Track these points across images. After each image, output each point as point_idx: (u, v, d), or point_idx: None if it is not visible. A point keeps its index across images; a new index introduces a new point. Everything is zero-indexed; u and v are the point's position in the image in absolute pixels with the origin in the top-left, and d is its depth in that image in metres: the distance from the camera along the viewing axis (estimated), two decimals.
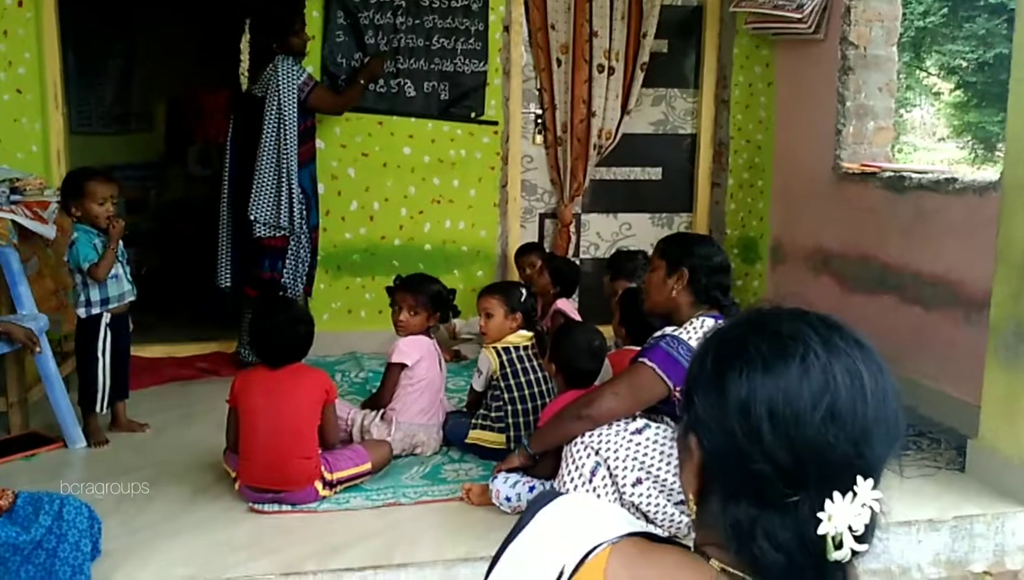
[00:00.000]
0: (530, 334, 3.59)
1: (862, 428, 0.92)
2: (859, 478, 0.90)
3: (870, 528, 0.90)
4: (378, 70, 4.73)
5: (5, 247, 3.56)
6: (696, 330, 2.74)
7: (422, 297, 3.56)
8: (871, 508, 0.90)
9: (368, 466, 3.18)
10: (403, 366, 3.48)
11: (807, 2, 4.70)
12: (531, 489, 2.91)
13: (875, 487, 0.90)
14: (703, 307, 2.80)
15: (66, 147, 4.72)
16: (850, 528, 0.89)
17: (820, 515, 0.89)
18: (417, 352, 3.50)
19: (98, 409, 3.59)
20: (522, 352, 3.54)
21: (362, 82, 4.63)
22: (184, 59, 6.86)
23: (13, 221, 3.67)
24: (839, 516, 0.89)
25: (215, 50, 6.56)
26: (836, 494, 0.89)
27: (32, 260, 3.88)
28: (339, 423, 3.32)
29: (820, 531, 0.89)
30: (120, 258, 3.60)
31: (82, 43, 6.40)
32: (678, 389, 2.65)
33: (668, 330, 2.79)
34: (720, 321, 2.74)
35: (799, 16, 4.70)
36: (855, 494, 0.89)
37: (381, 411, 3.51)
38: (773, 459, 0.91)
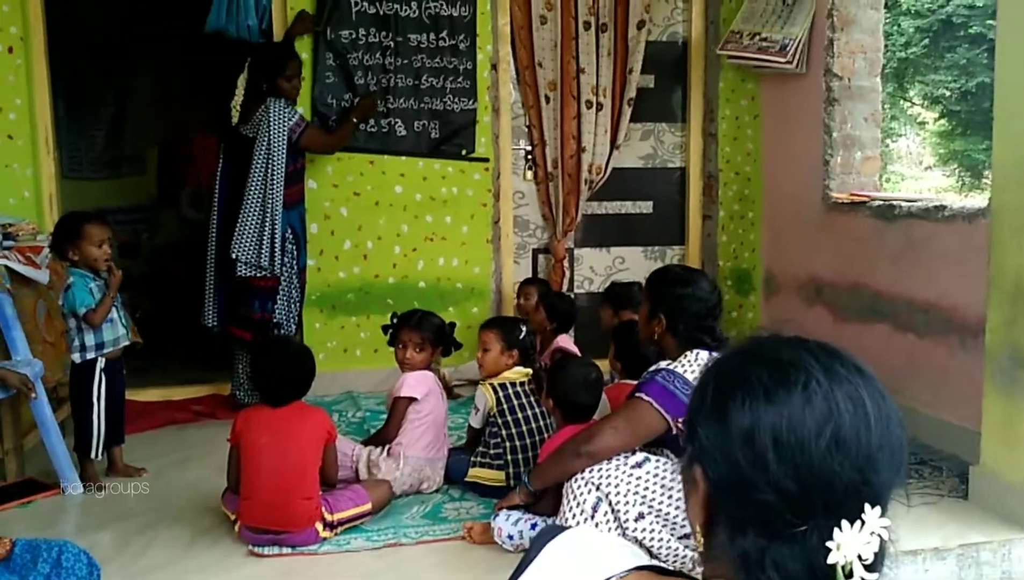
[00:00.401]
0: (527, 371, 3.59)
1: (867, 455, 0.92)
2: (867, 506, 0.89)
3: (879, 556, 0.90)
4: (370, 109, 4.77)
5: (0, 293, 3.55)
6: (691, 363, 2.75)
7: (426, 333, 3.58)
8: (880, 536, 0.89)
9: (368, 506, 3.16)
10: (412, 400, 3.49)
11: (789, 42, 4.78)
12: (533, 526, 2.89)
13: (883, 515, 0.90)
14: (690, 346, 2.81)
15: (58, 192, 4.73)
16: (860, 557, 0.88)
17: (829, 544, 0.88)
18: (424, 386, 3.51)
19: (94, 455, 3.56)
20: (519, 388, 3.53)
21: (355, 120, 4.67)
22: (175, 103, 6.90)
23: (6, 266, 3.67)
24: (848, 545, 0.88)
25: (206, 93, 6.60)
26: (844, 523, 0.88)
27: (39, 303, 3.87)
28: (343, 460, 3.31)
29: (830, 560, 0.88)
30: (115, 302, 3.59)
31: (72, 88, 6.44)
32: (679, 421, 2.65)
33: (663, 364, 2.80)
34: (715, 355, 2.74)
35: (784, 59, 4.79)
36: (863, 522, 0.89)
37: (388, 446, 3.50)
38: (779, 488, 0.90)
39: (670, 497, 2.65)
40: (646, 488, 2.67)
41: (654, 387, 2.71)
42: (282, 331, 4.47)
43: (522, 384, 3.54)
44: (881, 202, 4.36)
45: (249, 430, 3.03)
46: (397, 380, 3.59)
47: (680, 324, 2.82)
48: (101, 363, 3.53)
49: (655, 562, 1.08)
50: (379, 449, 3.50)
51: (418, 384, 3.50)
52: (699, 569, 1.04)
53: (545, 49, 5.15)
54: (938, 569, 2.98)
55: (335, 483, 3.18)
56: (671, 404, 2.67)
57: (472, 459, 3.50)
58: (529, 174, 5.32)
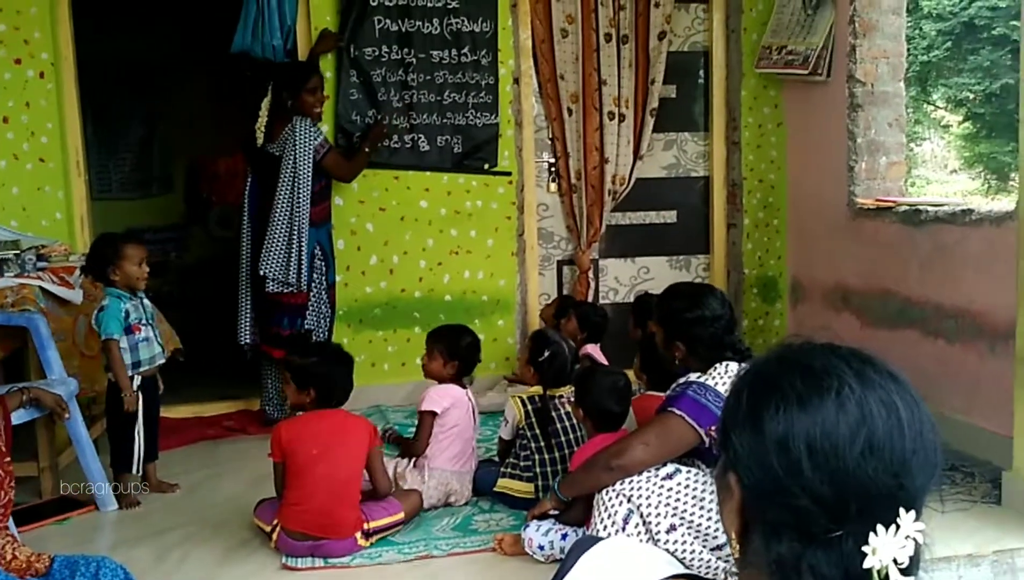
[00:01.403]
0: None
1: (901, 459, 0.92)
2: (901, 510, 0.90)
3: (914, 561, 0.90)
4: (380, 137, 4.83)
5: (34, 313, 3.61)
6: (721, 375, 2.74)
7: (435, 343, 3.65)
8: (915, 540, 0.89)
9: (401, 515, 3.19)
10: (434, 414, 3.50)
11: (811, 53, 4.80)
12: (564, 536, 2.90)
13: (917, 519, 0.90)
14: (713, 362, 2.80)
15: (89, 213, 4.80)
16: (895, 561, 0.88)
17: (865, 549, 0.89)
18: (446, 399, 3.52)
19: (135, 470, 3.61)
20: (538, 403, 3.54)
21: (367, 149, 4.72)
22: (203, 123, 6.98)
23: (41, 287, 3.74)
24: (884, 549, 0.88)
25: (233, 113, 6.69)
26: (880, 527, 0.89)
27: (79, 318, 3.94)
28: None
29: (866, 565, 0.88)
30: (150, 321, 3.65)
31: (102, 111, 6.54)
32: (712, 428, 2.64)
33: (693, 377, 2.79)
34: (744, 366, 2.74)
35: (806, 71, 4.80)
36: (898, 526, 0.89)
37: (414, 459, 3.52)
38: (814, 493, 0.91)
39: (702, 508, 2.64)
40: (677, 500, 2.66)
41: (685, 401, 2.71)
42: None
43: (541, 398, 3.53)
44: (907, 207, 4.34)
45: (299, 441, 3.05)
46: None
47: (699, 348, 2.83)
48: (137, 381, 3.59)
49: (691, 571, 1.08)
50: (406, 461, 3.53)
51: (439, 398, 3.53)
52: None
53: (567, 62, 5.18)
54: (972, 576, 2.95)
55: (386, 491, 3.21)
56: (704, 417, 2.66)
57: (502, 470, 3.51)
58: (553, 186, 5.34)
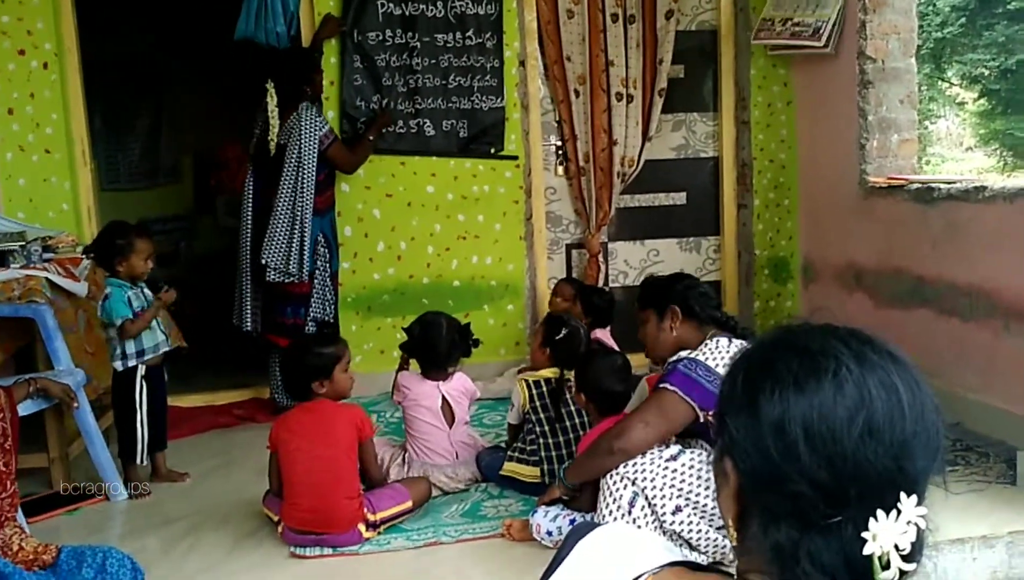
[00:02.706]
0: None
1: (901, 442, 0.90)
2: (902, 494, 0.87)
3: (917, 546, 0.87)
4: (384, 123, 4.80)
5: (40, 304, 3.61)
6: (712, 350, 2.75)
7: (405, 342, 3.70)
8: (917, 525, 0.87)
9: (409, 503, 3.18)
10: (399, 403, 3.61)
11: (822, 25, 4.71)
12: (572, 522, 2.88)
13: (919, 503, 0.87)
14: (710, 329, 2.85)
15: (96, 204, 4.80)
16: (896, 547, 0.86)
17: (864, 535, 0.86)
18: (399, 394, 3.57)
19: (139, 460, 3.62)
20: (554, 385, 3.52)
21: (370, 138, 4.69)
22: (210, 112, 6.97)
23: (47, 279, 3.73)
24: (884, 535, 0.86)
25: (240, 102, 6.67)
26: (880, 512, 0.86)
27: (79, 313, 3.93)
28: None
29: (865, 551, 0.86)
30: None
31: (108, 101, 6.53)
32: (709, 414, 2.63)
33: (683, 354, 2.81)
34: (735, 341, 2.78)
35: (819, 43, 4.71)
36: (899, 511, 0.86)
37: (403, 451, 3.54)
38: (812, 478, 0.89)
39: (707, 488, 2.64)
40: (682, 481, 2.66)
41: (676, 375, 2.72)
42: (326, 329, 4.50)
43: (557, 381, 3.52)
44: (919, 185, 4.28)
45: (284, 435, 3.06)
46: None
47: (695, 306, 2.88)
48: (142, 370, 3.59)
49: (689, 557, 1.06)
50: (392, 455, 3.54)
51: (398, 389, 3.58)
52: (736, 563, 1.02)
53: (573, 43, 5.13)
54: (987, 557, 2.91)
55: (378, 480, 3.20)
56: (695, 391, 2.68)
57: (508, 454, 3.50)
58: (561, 169, 5.30)
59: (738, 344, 2.79)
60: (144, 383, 3.59)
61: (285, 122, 4.44)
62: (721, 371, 2.68)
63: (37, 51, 4.53)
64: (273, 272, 4.41)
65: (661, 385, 2.74)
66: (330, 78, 4.75)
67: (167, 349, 3.73)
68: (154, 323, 3.64)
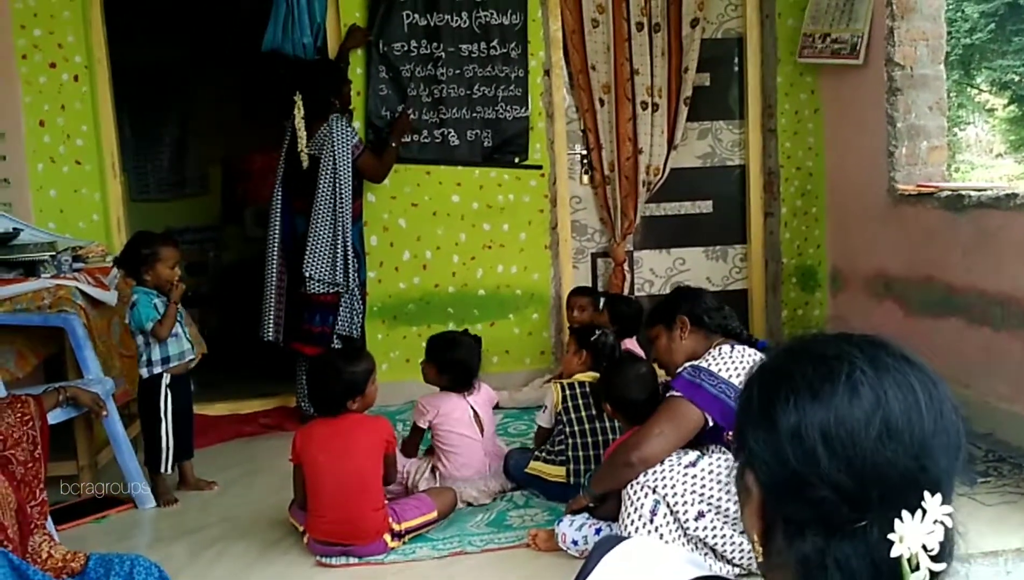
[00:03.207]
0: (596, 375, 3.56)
1: (920, 441, 0.89)
2: (926, 494, 0.85)
3: (946, 546, 0.86)
4: (405, 127, 4.81)
5: (70, 314, 3.65)
6: (716, 357, 2.79)
7: (430, 359, 3.62)
8: (943, 524, 0.85)
9: (434, 514, 3.17)
10: (420, 429, 3.54)
11: (858, 40, 4.69)
12: (598, 531, 2.87)
13: (945, 502, 0.86)
14: (716, 338, 2.90)
15: (126, 215, 4.86)
16: (924, 548, 0.84)
17: (891, 536, 0.85)
18: (431, 413, 3.48)
19: (163, 469, 3.64)
20: (587, 389, 3.51)
21: (394, 145, 4.71)
22: (237, 122, 7.03)
23: (78, 288, 3.77)
24: (911, 536, 0.84)
25: (268, 112, 6.73)
26: (905, 513, 0.85)
27: (114, 320, 3.98)
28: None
29: (893, 553, 0.84)
30: (179, 318, 3.67)
31: (137, 113, 6.61)
32: (729, 432, 2.62)
33: (688, 363, 2.86)
34: (738, 347, 2.81)
35: (857, 61, 4.69)
36: (924, 511, 0.85)
37: (431, 465, 3.53)
38: (833, 483, 0.88)
39: (728, 492, 2.63)
40: (703, 486, 2.66)
41: (680, 382, 2.77)
42: (353, 342, 4.52)
43: (591, 385, 3.51)
44: (949, 192, 4.23)
45: (307, 448, 3.06)
46: None
47: (703, 315, 2.93)
48: (167, 378, 3.61)
49: (715, 570, 1.06)
50: (419, 471, 3.51)
51: (425, 411, 3.50)
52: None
53: (598, 52, 5.13)
54: (1021, 571, 2.86)
55: (391, 482, 3.21)
56: (698, 395, 2.71)
57: (535, 453, 3.50)
58: (586, 178, 5.29)
59: (741, 349, 2.81)
60: (169, 391, 3.62)
61: (314, 134, 4.47)
62: (726, 375, 2.72)
63: (68, 64, 4.59)
64: (318, 284, 4.43)
65: (669, 394, 2.79)
66: (356, 89, 4.79)
67: (192, 358, 3.75)
68: (180, 332, 3.67)
